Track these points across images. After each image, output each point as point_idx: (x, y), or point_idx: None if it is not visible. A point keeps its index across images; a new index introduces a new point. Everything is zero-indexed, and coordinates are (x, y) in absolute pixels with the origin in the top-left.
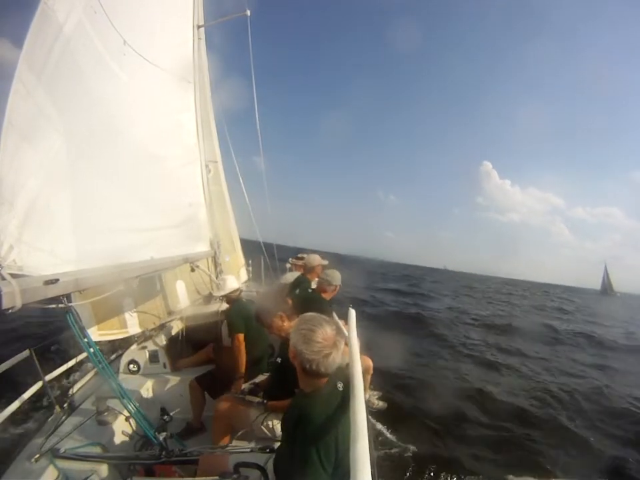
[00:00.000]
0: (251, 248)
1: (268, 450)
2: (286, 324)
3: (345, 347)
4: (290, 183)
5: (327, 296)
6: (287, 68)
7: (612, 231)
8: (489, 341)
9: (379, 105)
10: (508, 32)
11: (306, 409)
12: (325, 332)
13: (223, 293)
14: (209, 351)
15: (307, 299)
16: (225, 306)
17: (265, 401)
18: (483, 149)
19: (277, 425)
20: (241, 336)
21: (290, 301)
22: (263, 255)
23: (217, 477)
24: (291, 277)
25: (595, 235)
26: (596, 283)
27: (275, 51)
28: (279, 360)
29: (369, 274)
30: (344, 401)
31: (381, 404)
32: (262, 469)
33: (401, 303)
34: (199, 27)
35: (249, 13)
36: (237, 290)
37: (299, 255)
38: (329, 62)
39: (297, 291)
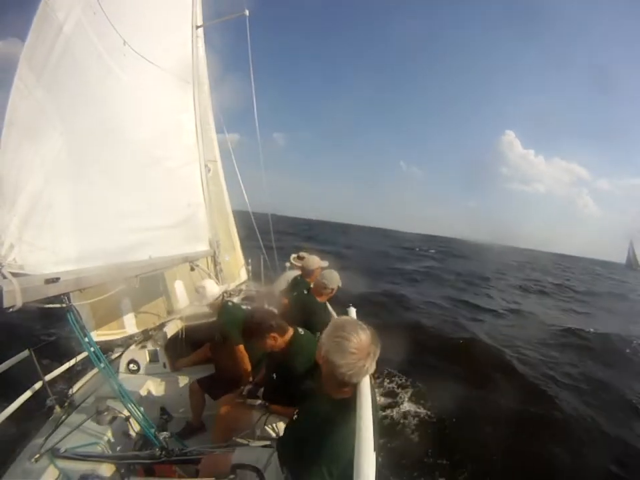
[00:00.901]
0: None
1: (268, 446)
2: (279, 340)
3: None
4: (306, 157)
5: (322, 299)
6: (288, 62)
7: (638, 203)
8: None
9: (394, 79)
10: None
11: (333, 418)
12: (359, 340)
13: (205, 302)
14: (206, 350)
15: (303, 303)
16: None
17: (267, 404)
18: (505, 118)
19: (279, 425)
20: (242, 347)
21: (285, 300)
22: (262, 255)
23: (212, 479)
24: (291, 275)
25: (621, 207)
26: (620, 257)
27: (276, 48)
28: (274, 375)
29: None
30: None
31: (382, 400)
32: (258, 471)
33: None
34: (197, 27)
35: (247, 12)
36: (220, 296)
37: (300, 254)
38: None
39: (295, 294)
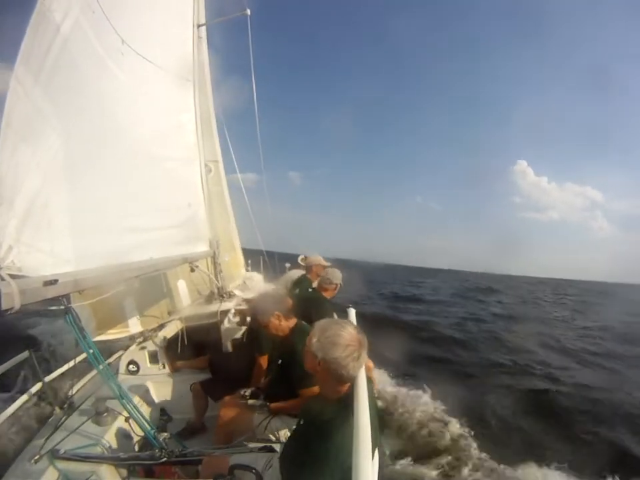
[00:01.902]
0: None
1: (268, 450)
2: (283, 323)
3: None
4: (320, 193)
5: (327, 294)
6: (289, 67)
7: None
8: None
9: (398, 106)
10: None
11: (333, 421)
12: (349, 333)
13: (249, 296)
14: (207, 359)
15: (307, 299)
16: (224, 306)
17: (268, 403)
18: (517, 148)
19: (280, 428)
20: (265, 358)
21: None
22: (262, 255)
23: None
24: (295, 274)
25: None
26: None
27: (277, 49)
28: (279, 361)
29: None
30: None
31: (380, 403)
32: (256, 472)
33: None
34: (199, 25)
35: (249, 12)
36: None
37: (305, 256)
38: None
39: (297, 291)
